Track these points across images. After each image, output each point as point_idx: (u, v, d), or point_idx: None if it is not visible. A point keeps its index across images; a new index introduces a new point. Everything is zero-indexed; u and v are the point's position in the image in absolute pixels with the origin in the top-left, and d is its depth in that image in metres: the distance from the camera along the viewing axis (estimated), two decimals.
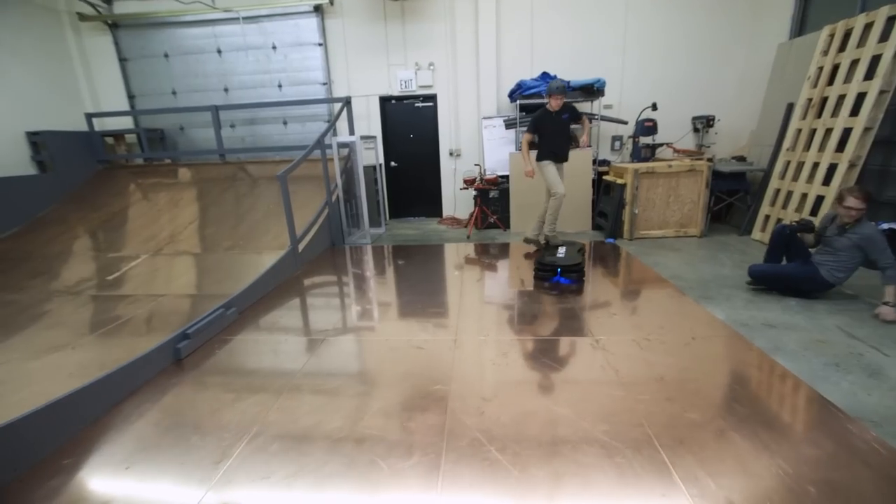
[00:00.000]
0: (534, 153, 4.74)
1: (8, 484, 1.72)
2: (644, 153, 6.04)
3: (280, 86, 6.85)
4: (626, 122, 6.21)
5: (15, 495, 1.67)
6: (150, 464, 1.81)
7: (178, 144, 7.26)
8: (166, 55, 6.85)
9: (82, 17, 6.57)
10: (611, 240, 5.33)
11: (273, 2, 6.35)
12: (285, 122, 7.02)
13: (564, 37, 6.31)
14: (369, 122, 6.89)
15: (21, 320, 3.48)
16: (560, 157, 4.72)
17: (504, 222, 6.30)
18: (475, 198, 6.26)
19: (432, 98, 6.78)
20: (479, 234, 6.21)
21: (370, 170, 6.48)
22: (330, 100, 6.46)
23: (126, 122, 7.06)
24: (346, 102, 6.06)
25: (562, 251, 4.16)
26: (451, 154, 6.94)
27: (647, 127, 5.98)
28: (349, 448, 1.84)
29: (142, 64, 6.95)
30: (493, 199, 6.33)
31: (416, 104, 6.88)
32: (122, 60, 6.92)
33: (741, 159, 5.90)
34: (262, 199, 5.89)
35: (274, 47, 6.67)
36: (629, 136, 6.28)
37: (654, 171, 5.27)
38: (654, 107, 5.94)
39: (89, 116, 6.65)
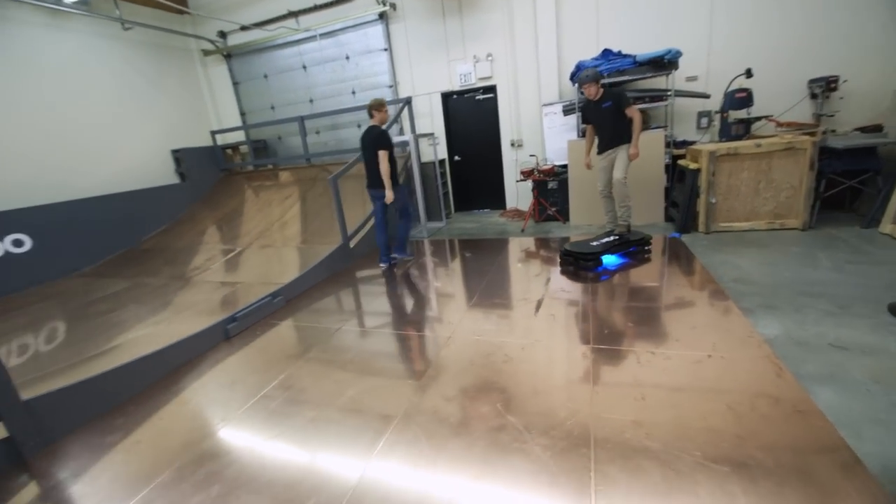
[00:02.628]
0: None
1: (109, 409, 2.39)
2: (735, 130, 5.11)
3: (354, 92, 7.47)
4: (708, 96, 5.33)
5: (114, 417, 2.31)
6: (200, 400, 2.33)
7: (278, 151, 8.46)
8: (265, 76, 8.00)
9: (206, 52, 8.05)
10: (676, 234, 4.69)
11: (344, 15, 6.92)
12: (359, 125, 7.64)
13: (635, 6, 5.62)
14: (432, 119, 7.11)
15: (147, 298, 4.57)
16: (605, 148, 4.37)
17: (564, 215, 5.98)
18: (533, 189, 6.06)
19: (492, 89, 6.69)
20: (536, 227, 6.01)
21: (431, 166, 6.73)
22: (392, 101, 6.83)
23: (239, 136, 8.46)
24: (406, 102, 6.35)
25: (595, 241, 4.03)
26: (512, 145, 6.79)
27: (738, 99, 5.04)
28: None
29: (249, 85, 8.23)
30: (551, 190, 6.04)
31: (477, 97, 6.86)
32: (235, 84, 8.29)
33: (876, 129, 4.62)
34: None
35: (347, 57, 7.29)
36: (716, 112, 5.37)
37: (737, 152, 4.46)
38: (749, 73, 4.98)
39: (213, 133, 8.15)
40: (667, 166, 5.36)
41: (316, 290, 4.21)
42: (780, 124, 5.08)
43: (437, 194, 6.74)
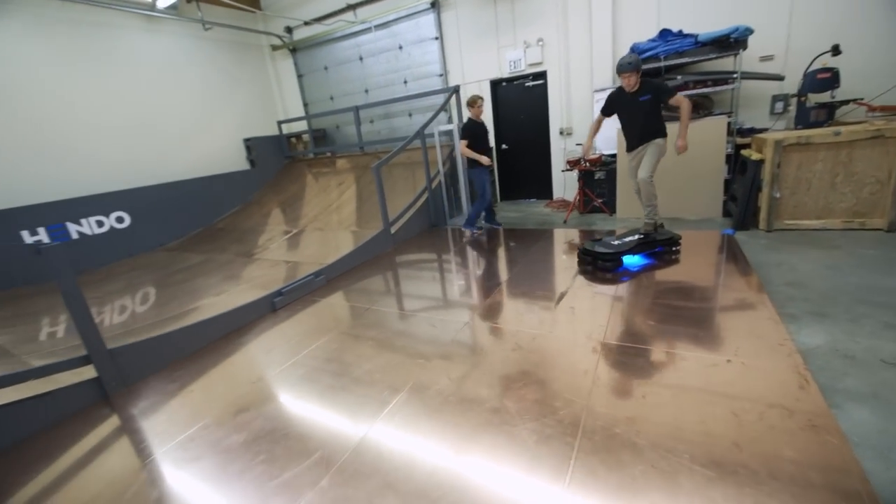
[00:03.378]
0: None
1: (172, 362, 2.85)
2: (815, 116, 4.54)
3: (406, 81, 7.67)
4: (781, 78, 4.78)
5: (175, 368, 2.76)
6: (243, 361, 2.71)
7: (336, 140, 8.96)
8: (326, 68, 8.46)
9: (274, 47, 8.69)
10: (729, 231, 4.33)
11: (398, 6, 7.09)
12: (410, 114, 7.86)
13: None
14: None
15: (216, 271, 5.19)
16: (634, 146, 4.10)
17: (610, 207, 5.75)
18: (579, 180, 5.88)
19: (542, 75, 6.53)
20: (580, 219, 5.85)
21: None
22: (441, 90, 6.93)
23: (302, 125, 9.07)
24: (454, 91, 6.41)
25: (616, 239, 3.86)
26: (561, 133, 6.60)
27: (820, 80, 4.47)
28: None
29: (311, 77, 8.77)
30: (598, 181, 5.82)
31: (526, 84, 6.73)
32: (299, 76, 8.87)
33: None
34: (385, 184, 6.88)
35: (400, 47, 7.49)
36: (792, 95, 4.80)
37: (809, 141, 4.00)
38: (836, 50, 4.39)
39: (279, 123, 8.83)
40: (728, 156, 4.92)
41: (356, 271, 4.51)
42: (872, 108, 4.44)
43: None
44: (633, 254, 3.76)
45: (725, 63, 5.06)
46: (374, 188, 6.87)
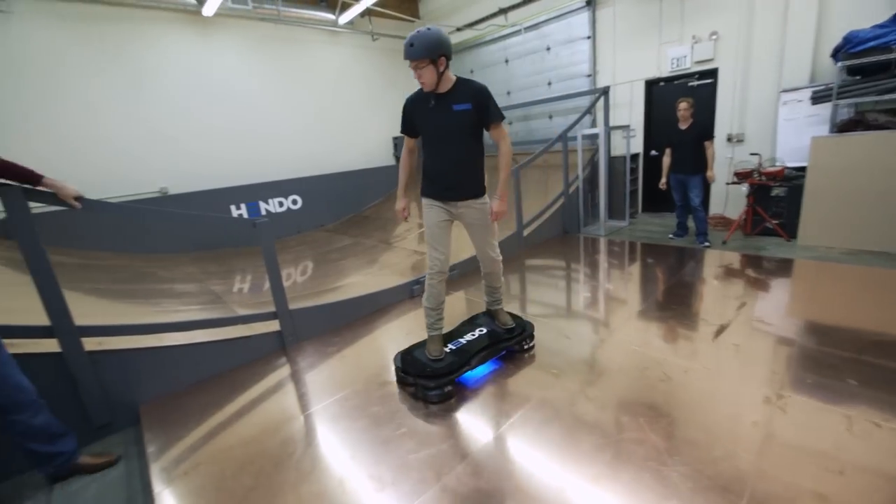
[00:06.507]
0: None
1: (327, 330, 3.35)
2: None
3: (550, 83, 7.53)
4: None
5: (333, 335, 3.25)
6: (385, 338, 3.06)
7: None
8: (471, 71, 8.80)
9: None
10: None
11: (549, 7, 6.97)
12: (551, 117, 7.69)
13: None
14: (631, 109, 6.59)
15: (362, 254, 5.87)
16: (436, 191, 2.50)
17: (789, 230, 4.79)
18: (748, 196, 5.03)
19: (711, 73, 5.73)
20: (744, 241, 5.01)
21: (621, 160, 6.31)
22: (588, 91, 6.61)
23: None
24: (603, 92, 6.07)
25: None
26: (728, 140, 5.72)
27: None
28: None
29: None
30: (775, 198, 4.89)
31: (690, 83, 5.99)
32: None
33: None
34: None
35: (548, 48, 7.36)
36: None
37: None
38: None
39: None
40: None
41: None
42: None
43: (624, 191, 6.30)
44: (478, 364, 2.52)
45: None
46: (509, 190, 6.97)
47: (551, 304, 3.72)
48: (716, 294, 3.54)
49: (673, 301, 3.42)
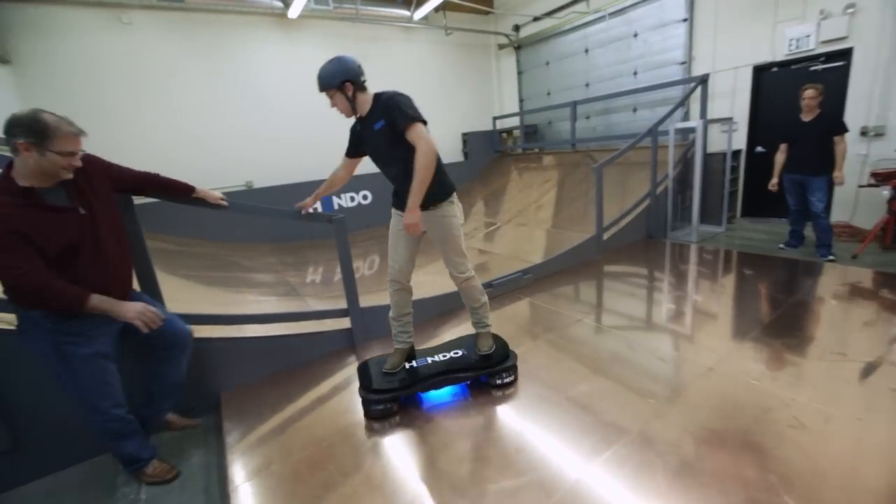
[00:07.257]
0: None
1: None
2: None
3: (635, 73, 6.89)
4: None
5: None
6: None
7: (546, 136, 8.84)
8: (547, 63, 8.36)
9: (500, 46, 9.07)
10: None
11: None
12: (635, 109, 7.05)
13: None
14: (733, 99, 5.79)
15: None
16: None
17: None
18: (889, 201, 4.17)
19: (842, 55, 4.83)
20: (882, 256, 4.16)
21: (719, 157, 5.58)
22: (683, 80, 5.93)
23: (514, 121, 9.29)
24: (701, 81, 5.41)
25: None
26: (863, 134, 4.80)
27: None
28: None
29: (531, 73, 8.83)
30: None
31: (812, 67, 5.11)
32: (519, 73, 9.04)
33: None
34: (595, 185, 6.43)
35: (635, 35, 6.72)
36: None
37: None
38: None
39: (494, 118, 9.26)
40: None
41: (561, 275, 4.30)
42: None
43: (722, 192, 5.57)
44: (435, 388, 2.40)
45: None
46: (582, 189, 6.51)
47: (637, 318, 3.32)
48: (853, 321, 2.92)
49: (793, 326, 2.87)
